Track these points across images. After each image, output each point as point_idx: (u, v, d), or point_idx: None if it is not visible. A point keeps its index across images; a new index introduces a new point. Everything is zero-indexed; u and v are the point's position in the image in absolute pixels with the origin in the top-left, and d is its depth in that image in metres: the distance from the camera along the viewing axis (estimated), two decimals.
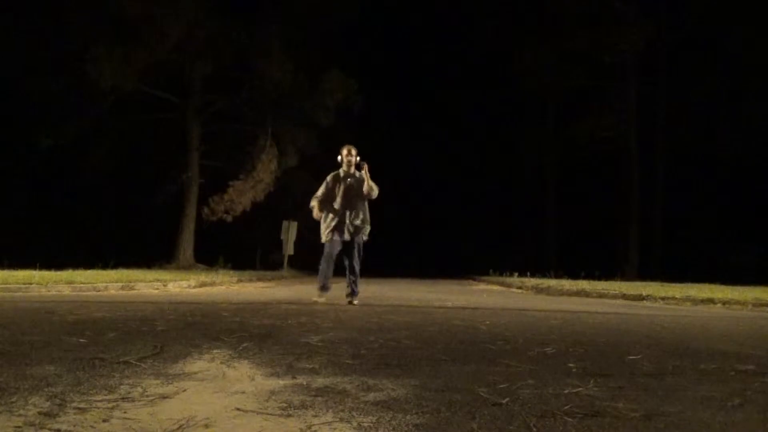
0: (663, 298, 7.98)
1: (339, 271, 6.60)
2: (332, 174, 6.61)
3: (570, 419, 1.77)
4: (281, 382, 2.24)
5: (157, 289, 9.01)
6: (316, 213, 6.51)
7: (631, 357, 2.97)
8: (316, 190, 6.76)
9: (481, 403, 1.95)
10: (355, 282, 6.46)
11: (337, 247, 6.39)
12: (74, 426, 1.63)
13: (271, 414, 1.79)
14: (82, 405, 1.84)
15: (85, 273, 10.49)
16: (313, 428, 1.65)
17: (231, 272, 15.33)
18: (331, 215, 6.43)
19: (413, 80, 32.57)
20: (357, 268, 6.46)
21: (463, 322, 4.63)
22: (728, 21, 20.04)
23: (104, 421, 1.68)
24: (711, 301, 7.50)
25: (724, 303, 7.31)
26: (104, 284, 8.27)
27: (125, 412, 1.77)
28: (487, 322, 4.63)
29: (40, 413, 1.73)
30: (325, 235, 6.45)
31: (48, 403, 1.84)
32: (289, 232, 18.16)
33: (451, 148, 32.30)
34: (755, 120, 19.66)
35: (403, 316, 5.02)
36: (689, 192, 22.35)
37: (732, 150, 20.77)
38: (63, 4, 17.03)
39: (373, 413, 1.81)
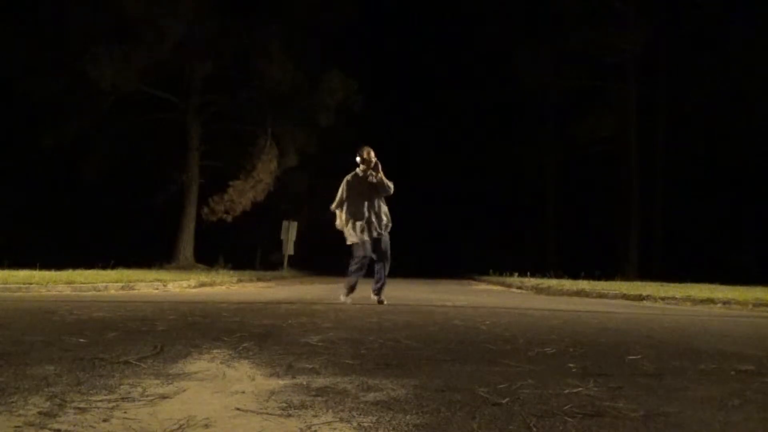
0: (663, 298, 7.97)
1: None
2: (351, 175, 6.54)
3: (570, 419, 1.77)
4: (281, 382, 2.24)
5: (157, 289, 9.01)
6: (340, 221, 6.47)
7: (631, 357, 2.97)
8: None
9: (481, 403, 1.95)
10: (382, 281, 6.50)
11: (369, 247, 6.37)
12: (74, 426, 1.63)
13: (271, 414, 1.79)
14: (82, 405, 1.84)
15: (85, 273, 10.49)
16: (313, 428, 1.65)
17: (231, 272, 15.33)
18: (355, 216, 6.40)
19: (413, 80, 32.58)
20: (388, 267, 6.50)
21: (463, 322, 4.63)
22: (728, 21, 20.03)
23: (104, 421, 1.68)
24: (711, 301, 7.50)
25: (724, 303, 7.30)
26: (104, 284, 8.27)
27: (125, 412, 1.77)
28: (487, 322, 4.63)
29: (40, 413, 1.73)
30: (354, 236, 6.39)
31: (48, 403, 1.84)
32: (289, 232, 18.17)
33: (451, 148, 32.30)
34: (755, 120, 19.66)
35: (403, 316, 5.02)
36: (689, 192, 22.36)
37: (732, 150, 20.77)
38: (63, 4, 17.04)
39: (373, 413, 1.81)
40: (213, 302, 6.40)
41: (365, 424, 1.69)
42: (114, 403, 1.87)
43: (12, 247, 13.25)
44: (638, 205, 21.52)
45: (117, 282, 8.62)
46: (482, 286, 14.05)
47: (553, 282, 12.22)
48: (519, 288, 12.07)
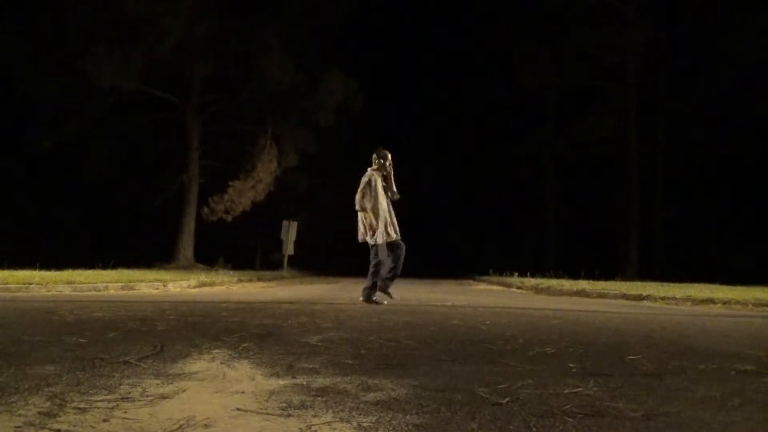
0: (663, 298, 7.97)
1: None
2: (374, 174, 6.56)
3: (570, 419, 1.77)
4: (281, 382, 2.24)
5: (157, 289, 9.00)
6: (373, 221, 6.47)
7: (631, 357, 2.97)
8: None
9: (481, 403, 1.95)
10: (395, 278, 6.58)
11: (390, 246, 6.49)
12: (74, 426, 1.63)
13: (271, 414, 1.79)
14: (82, 405, 1.84)
15: (85, 273, 10.49)
16: (313, 428, 1.65)
17: (231, 272, 15.33)
18: (383, 216, 6.45)
19: (413, 80, 32.58)
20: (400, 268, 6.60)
21: (463, 322, 4.63)
22: (728, 21, 20.03)
23: (104, 421, 1.68)
24: (711, 301, 7.49)
25: (724, 303, 7.30)
26: (104, 284, 8.27)
27: (125, 412, 1.77)
28: (487, 322, 4.63)
29: (40, 413, 1.73)
30: (384, 235, 6.45)
31: (48, 403, 1.84)
32: (289, 232, 18.17)
33: (451, 148, 32.30)
34: (755, 120, 19.65)
35: (403, 316, 5.02)
36: (689, 192, 22.35)
37: (732, 150, 20.77)
38: (63, 4, 17.04)
39: (373, 413, 1.81)
40: (213, 302, 6.40)
41: (365, 424, 1.69)
42: (114, 403, 1.87)
43: (12, 247, 13.24)
44: (638, 205, 21.51)
45: (117, 282, 8.62)
46: (482, 286, 14.05)
47: (553, 282, 12.21)
48: (519, 288, 12.07)
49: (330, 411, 1.83)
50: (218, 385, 2.19)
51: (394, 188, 6.69)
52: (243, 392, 2.07)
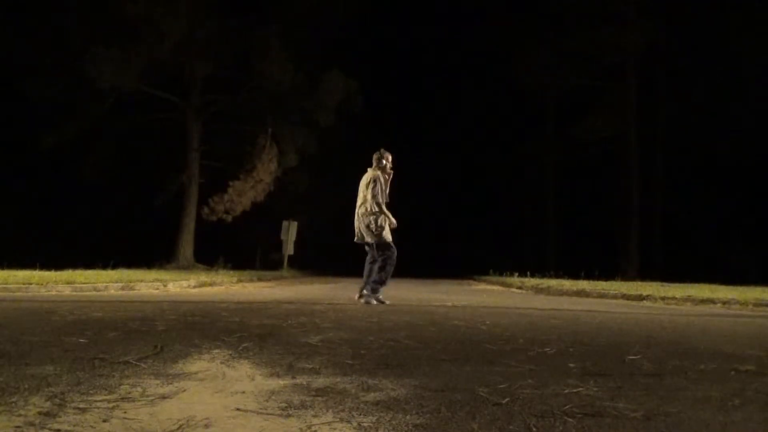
0: (663, 298, 7.97)
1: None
2: (382, 174, 6.58)
3: (570, 419, 1.77)
4: (281, 382, 2.24)
5: (157, 289, 9.01)
6: (389, 216, 6.49)
7: (631, 357, 2.97)
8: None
9: (481, 403, 1.95)
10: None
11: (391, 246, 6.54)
12: (74, 426, 1.63)
13: (271, 414, 1.79)
14: (82, 405, 1.84)
15: (85, 273, 10.49)
16: (313, 428, 1.65)
17: (231, 272, 15.33)
18: (387, 215, 6.49)
19: (413, 80, 32.59)
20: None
21: (463, 322, 4.63)
22: (728, 21, 20.03)
23: (104, 421, 1.68)
24: (711, 301, 7.50)
25: (724, 303, 7.30)
26: (104, 284, 8.27)
27: (125, 412, 1.77)
28: (487, 322, 4.63)
29: (40, 413, 1.73)
30: (389, 235, 6.50)
31: (48, 403, 1.84)
32: (289, 232, 18.18)
33: (451, 148, 32.32)
34: (755, 120, 19.65)
35: (403, 316, 5.02)
36: (689, 192, 22.35)
37: (732, 150, 20.76)
38: (63, 4, 17.03)
39: (373, 413, 1.81)
40: (213, 302, 6.40)
41: (365, 424, 1.69)
42: (114, 403, 1.87)
43: (12, 247, 13.24)
44: (638, 205, 21.52)
45: (117, 282, 8.62)
46: (482, 286, 14.05)
47: (553, 282, 12.22)
48: (519, 288, 12.07)
49: (330, 411, 1.83)
50: (218, 385, 2.19)
51: (387, 192, 6.69)
52: (243, 392, 2.07)
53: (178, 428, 1.63)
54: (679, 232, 22.64)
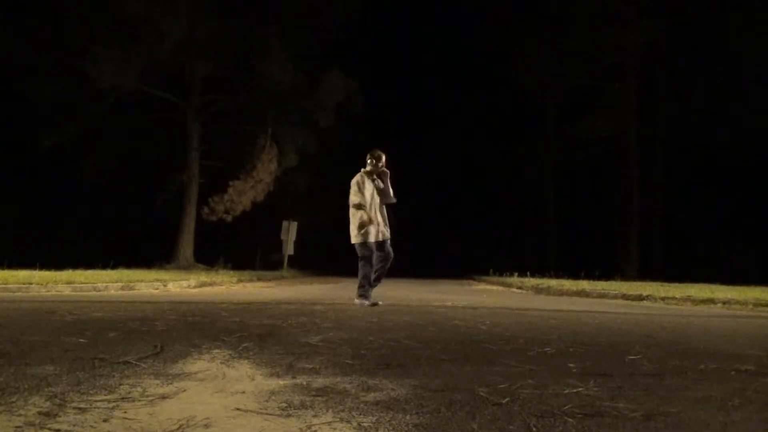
0: (663, 298, 7.97)
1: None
2: (362, 175, 6.50)
3: (570, 419, 1.77)
4: (281, 382, 2.24)
5: (157, 289, 9.01)
6: (367, 216, 6.39)
7: (631, 357, 2.97)
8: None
9: (481, 403, 1.95)
10: (378, 280, 6.50)
11: (371, 251, 6.38)
12: (74, 426, 1.63)
13: (271, 414, 1.79)
14: (82, 405, 1.84)
15: (85, 273, 10.49)
16: (313, 428, 1.65)
17: (231, 272, 15.33)
18: (364, 217, 6.40)
19: (413, 80, 32.59)
20: (387, 269, 6.52)
21: (463, 322, 4.63)
22: (728, 21, 20.04)
23: (104, 421, 1.68)
24: (711, 301, 7.49)
25: (724, 303, 7.30)
26: (104, 284, 8.27)
27: (125, 412, 1.77)
28: (487, 322, 4.63)
29: (40, 413, 1.73)
30: (359, 236, 6.37)
31: (48, 403, 1.84)
32: (289, 232, 18.18)
33: (451, 148, 32.30)
34: (755, 120, 19.66)
35: (403, 316, 5.02)
36: (689, 192, 22.35)
37: (732, 150, 20.77)
38: (63, 4, 17.03)
39: (373, 413, 1.81)
40: (213, 302, 6.40)
41: (365, 424, 1.69)
42: (114, 403, 1.87)
43: (12, 247, 13.24)
44: (638, 205, 21.52)
45: (117, 282, 8.62)
46: (482, 286, 14.05)
47: (553, 282, 12.22)
48: (519, 288, 12.07)
49: (330, 411, 1.83)
50: (218, 385, 2.19)
51: (391, 192, 6.52)
52: (243, 392, 2.07)
53: (178, 428, 1.63)
54: (679, 232, 22.63)
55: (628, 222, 21.51)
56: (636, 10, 20.78)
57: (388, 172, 6.53)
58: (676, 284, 11.76)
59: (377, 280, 6.47)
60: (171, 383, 2.19)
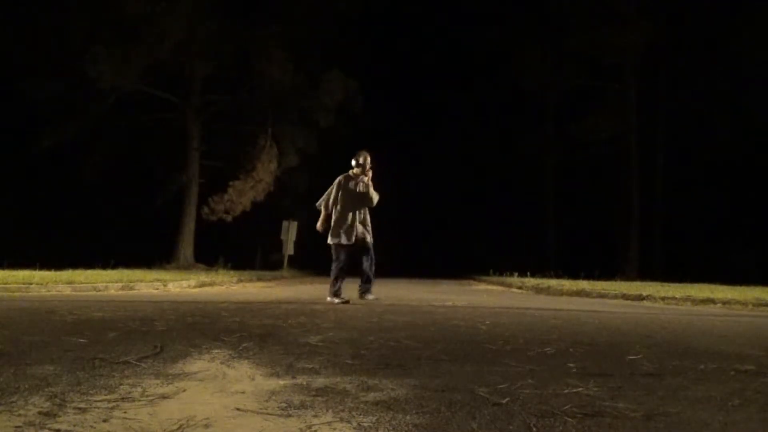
0: (663, 298, 7.97)
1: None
2: (344, 176, 6.67)
3: (570, 419, 1.77)
4: (281, 382, 2.24)
5: (157, 289, 9.01)
6: (322, 220, 6.57)
7: (631, 357, 2.97)
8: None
9: (481, 403, 1.95)
10: (368, 281, 6.67)
11: (345, 253, 6.49)
12: (74, 426, 1.63)
13: (271, 414, 1.79)
14: (82, 405, 1.84)
15: (85, 273, 10.49)
16: (313, 428, 1.65)
17: (231, 272, 15.32)
18: (339, 221, 6.50)
19: (413, 80, 32.58)
20: (373, 267, 6.66)
21: (464, 322, 4.63)
22: (728, 21, 20.04)
23: (104, 421, 1.68)
24: (711, 301, 7.49)
25: (724, 303, 7.30)
26: (104, 284, 8.27)
27: (125, 412, 1.77)
28: (488, 322, 4.63)
29: (40, 413, 1.73)
30: (333, 238, 6.56)
31: (48, 403, 1.84)
32: (289, 232, 18.17)
33: (451, 147, 32.30)
34: (755, 120, 19.66)
35: (403, 316, 5.02)
36: (689, 192, 22.35)
37: (732, 150, 20.77)
38: (63, 4, 17.03)
39: (373, 413, 1.81)
40: (213, 302, 6.40)
41: (365, 424, 1.69)
42: (114, 403, 1.87)
43: (12, 247, 13.23)
44: (638, 205, 21.52)
45: (117, 282, 8.62)
46: (482, 286, 14.04)
47: (553, 282, 12.21)
48: (519, 288, 12.06)
49: (330, 411, 1.83)
50: (218, 385, 2.19)
51: (372, 195, 6.65)
52: (243, 392, 2.07)
53: (178, 428, 1.63)
54: (679, 232, 22.63)
55: (628, 222, 21.50)
56: (636, 10, 20.78)
57: (370, 171, 6.64)
58: (676, 284, 11.76)
59: (367, 281, 6.62)
60: (171, 383, 2.19)
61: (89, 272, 10.86)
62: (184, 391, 2.08)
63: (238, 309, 5.50)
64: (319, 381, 2.27)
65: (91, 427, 1.63)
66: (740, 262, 18.46)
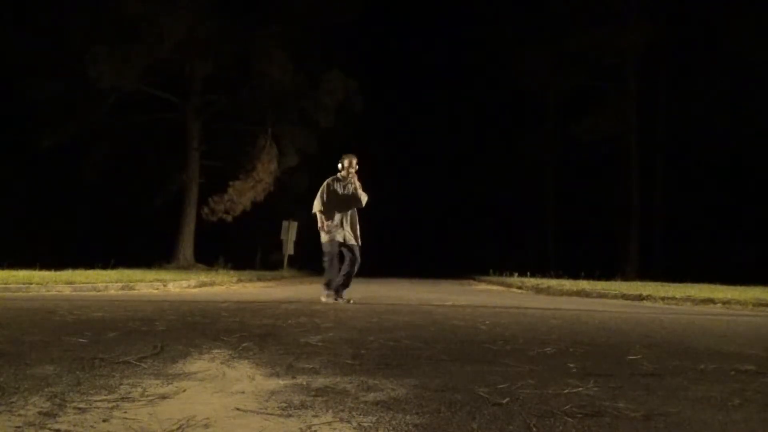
0: (663, 298, 7.97)
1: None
2: (332, 179, 6.81)
3: (570, 419, 1.77)
4: (281, 382, 2.24)
5: (157, 289, 9.00)
6: (321, 221, 6.65)
7: (631, 357, 2.97)
8: (316, 190, 6.96)
9: (481, 403, 1.95)
10: (346, 284, 6.71)
11: (337, 250, 6.64)
12: (74, 426, 1.63)
13: (271, 414, 1.79)
14: (82, 405, 1.84)
15: (85, 273, 10.49)
16: (313, 428, 1.65)
17: (231, 272, 15.32)
18: (329, 219, 6.59)
19: (413, 80, 32.60)
20: (356, 269, 6.70)
21: (464, 322, 4.63)
22: (728, 21, 20.04)
23: (104, 421, 1.68)
24: (711, 301, 7.49)
25: (724, 303, 7.30)
26: (104, 284, 8.27)
27: (125, 412, 1.77)
28: (487, 322, 4.63)
29: (40, 413, 1.74)
30: (325, 236, 6.67)
31: (48, 403, 1.84)
32: (289, 232, 18.16)
33: (451, 147, 32.32)
34: (755, 120, 19.66)
35: (403, 316, 5.02)
36: (689, 192, 22.36)
37: (732, 150, 20.77)
38: (63, 4, 17.02)
39: (373, 413, 1.81)
40: (213, 302, 6.40)
41: (365, 424, 1.69)
42: (114, 403, 1.87)
43: (12, 247, 13.23)
44: (638, 205, 21.52)
45: (117, 282, 8.62)
46: (482, 286, 14.04)
47: (553, 282, 12.21)
48: (519, 288, 12.06)
49: (330, 411, 1.83)
50: (218, 385, 2.19)
51: (361, 197, 6.74)
52: (243, 392, 2.07)
53: (178, 428, 1.63)
54: (679, 232, 22.63)
55: (628, 222, 21.51)
56: (636, 10, 20.79)
57: (355, 175, 6.73)
58: (676, 284, 11.76)
59: (345, 284, 6.66)
60: (171, 383, 2.19)
61: (89, 272, 10.86)
62: (184, 391, 2.08)
63: (238, 309, 5.50)
64: (319, 381, 2.27)
65: (91, 427, 1.63)
66: (740, 262, 18.46)
